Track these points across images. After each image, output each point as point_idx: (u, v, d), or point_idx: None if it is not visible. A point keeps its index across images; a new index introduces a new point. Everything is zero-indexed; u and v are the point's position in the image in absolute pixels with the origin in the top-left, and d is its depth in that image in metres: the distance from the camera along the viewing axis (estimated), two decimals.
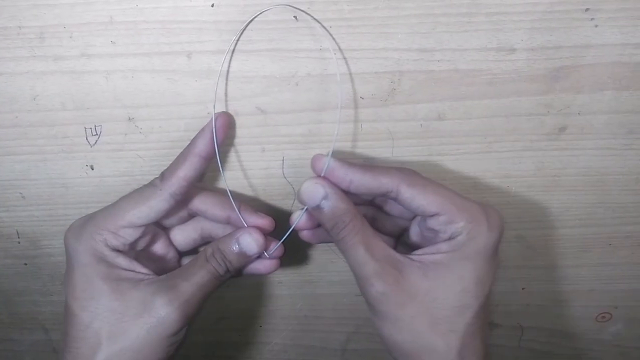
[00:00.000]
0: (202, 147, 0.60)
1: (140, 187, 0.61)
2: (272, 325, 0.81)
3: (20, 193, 0.67)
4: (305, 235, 0.64)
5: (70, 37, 0.58)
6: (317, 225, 0.62)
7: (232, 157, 0.65)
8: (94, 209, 0.66)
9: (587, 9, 0.58)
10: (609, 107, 0.63)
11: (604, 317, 0.82)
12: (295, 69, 0.60)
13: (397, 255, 0.58)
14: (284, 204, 0.69)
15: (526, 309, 0.81)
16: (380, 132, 0.64)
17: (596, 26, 0.59)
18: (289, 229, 0.63)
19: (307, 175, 0.62)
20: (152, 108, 0.62)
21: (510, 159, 0.66)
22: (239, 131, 0.64)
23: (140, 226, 0.60)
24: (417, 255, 0.59)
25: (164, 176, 0.60)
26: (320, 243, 0.66)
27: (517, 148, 0.66)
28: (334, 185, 0.59)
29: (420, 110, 0.63)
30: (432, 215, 0.58)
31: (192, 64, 0.60)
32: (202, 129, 0.61)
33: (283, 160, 0.66)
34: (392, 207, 0.65)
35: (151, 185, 0.60)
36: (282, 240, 0.63)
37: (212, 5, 0.57)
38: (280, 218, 0.65)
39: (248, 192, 0.68)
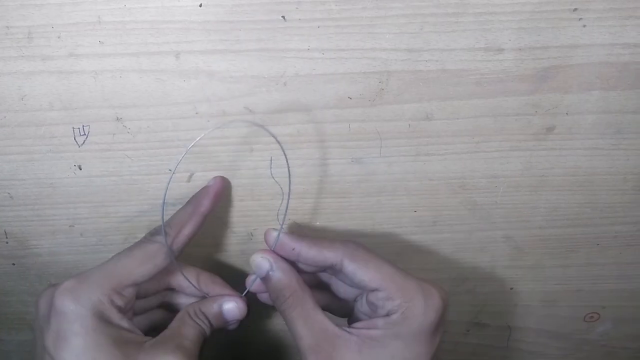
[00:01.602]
0: (207, 206, 0.64)
1: (139, 244, 0.61)
2: (260, 324, 0.80)
3: (8, 193, 0.67)
4: (262, 297, 0.66)
5: (58, 37, 0.58)
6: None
7: (220, 157, 0.65)
8: (81, 209, 0.67)
9: (575, 9, 0.58)
10: (597, 107, 0.64)
11: (592, 317, 0.82)
12: (283, 69, 0.60)
13: (335, 330, 0.59)
14: (271, 204, 0.68)
15: (514, 309, 0.81)
16: (368, 132, 0.64)
17: (584, 26, 0.59)
18: (245, 290, 0.66)
19: (296, 175, 0.65)
20: (140, 108, 0.62)
21: (498, 159, 0.67)
22: (228, 131, 0.64)
23: (139, 284, 0.60)
24: (355, 329, 0.60)
25: (168, 234, 0.61)
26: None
27: (504, 148, 0.66)
28: (281, 259, 0.62)
29: (408, 110, 0.63)
30: (372, 290, 0.60)
31: (180, 64, 0.60)
32: (205, 189, 0.65)
33: (271, 160, 0.66)
34: (345, 277, 0.64)
35: (153, 241, 0.61)
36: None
37: (200, 5, 0.57)
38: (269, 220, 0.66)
39: (237, 191, 0.68)
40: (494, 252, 0.75)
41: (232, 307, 0.64)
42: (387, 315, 0.59)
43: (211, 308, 0.64)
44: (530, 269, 0.77)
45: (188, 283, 0.65)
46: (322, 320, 0.59)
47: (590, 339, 0.85)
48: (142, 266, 0.59)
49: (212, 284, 0.66)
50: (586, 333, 0.84)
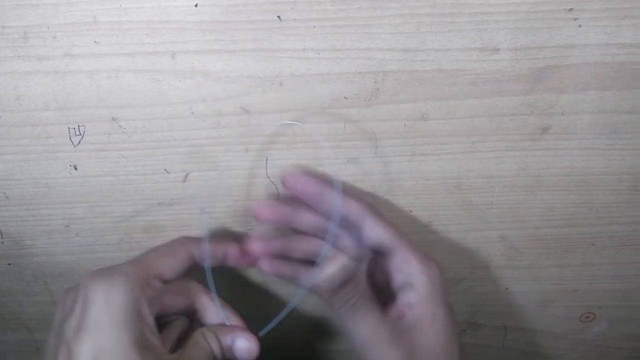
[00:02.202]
0: (235, 263, 0.64)
1: (170, 241, 0.63)
2: (257, 323, 0.80)
3: (4, 193, 0.67)
4: (263, 265, 0.64)
5: (54, 37, 0.58)
6: (277, 255, 0.64)
7: (216, 157, 0.65)
8: (77, 209, 0.67)
9: (570, 9, 0.58)
10: (593, 107, 0.64)
11: (587, 317, 0.82)
12: (279, 69, 0.60)
13: (399, 321, 0.60)
14: None
15: (510, 309, 0.81)
16: (364, 132, 0.64)
17: (580, 26, 0.59)
18: (265, 328, 0.64)
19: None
20: (135, 108, 0.62)
21: (493, 159, 0.67)
22: (223, 131, 0.64)
23: (165, 278, 0.59)
24: (397, 318, 0.60)
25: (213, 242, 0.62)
26: (277, 277, 0.66)
27: (500, 148, 0.66)
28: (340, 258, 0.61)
29: (404, 110, 0.63)
30: (387, 256, 0.61)
31: (176, 64, 0.60)
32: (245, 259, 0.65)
33: (267, 160, 0.66)
34: (358, 234, 0.64)
35: (183, 237, 0.63)
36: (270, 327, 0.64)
37: (196, 5, 0.57)
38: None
39: (232, 192, 0.68)
40: (490, 252, 0.75)
41: (243, 345, 0.61)
42: (412, 285, 0.60)
43: (225, 339, 0.61)
44: (526, 269, 0.77)
45: (210, 305, 0.63)
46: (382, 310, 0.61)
47: (585, 339, 0.85)
48: (165, 257, 0.59)
49: (233, 312, 0.64)
50: (582, 333, 0.84)
